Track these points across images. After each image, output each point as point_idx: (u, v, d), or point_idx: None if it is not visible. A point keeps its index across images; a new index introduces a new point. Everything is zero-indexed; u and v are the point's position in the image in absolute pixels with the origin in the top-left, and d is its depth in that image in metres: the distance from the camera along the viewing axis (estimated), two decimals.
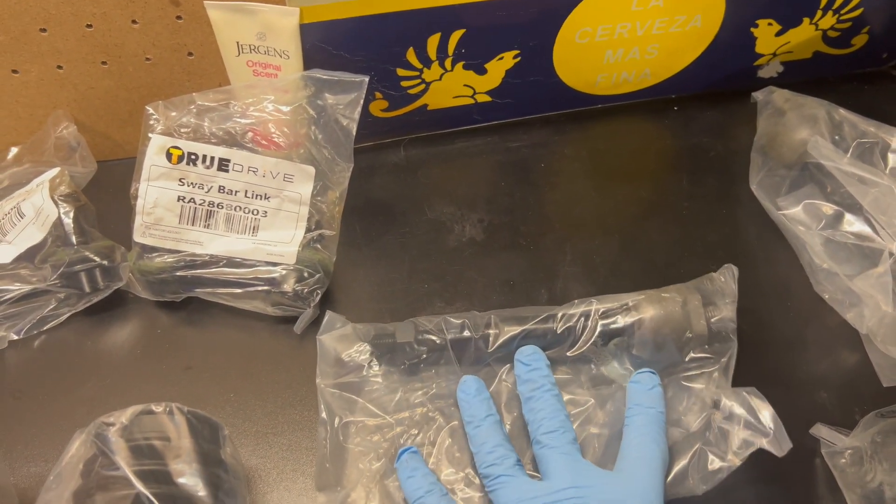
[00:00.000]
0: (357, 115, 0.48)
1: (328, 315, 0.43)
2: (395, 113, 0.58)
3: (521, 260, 0.53)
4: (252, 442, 0.44)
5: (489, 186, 0.58)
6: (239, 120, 0.47)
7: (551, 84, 0.59)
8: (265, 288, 0.47)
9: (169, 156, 0.46)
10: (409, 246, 0.53)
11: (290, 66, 0.50)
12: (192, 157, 0.46)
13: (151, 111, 0.46)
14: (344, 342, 0.43)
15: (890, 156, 0.52)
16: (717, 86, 0.64)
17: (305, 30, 0.49)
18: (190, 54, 0.53)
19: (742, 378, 0.44)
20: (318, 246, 0.48)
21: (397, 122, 0.59)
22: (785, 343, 0.47)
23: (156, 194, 0.47)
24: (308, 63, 0.51)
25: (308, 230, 0.48)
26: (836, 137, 0.53)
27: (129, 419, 0.36)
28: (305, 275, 0.47)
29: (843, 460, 0.41)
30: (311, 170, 0.48)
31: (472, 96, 0.59)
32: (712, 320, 0.42)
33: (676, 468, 0.40)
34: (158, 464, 0.35)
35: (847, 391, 0.45)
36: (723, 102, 0.63)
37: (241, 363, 0.47)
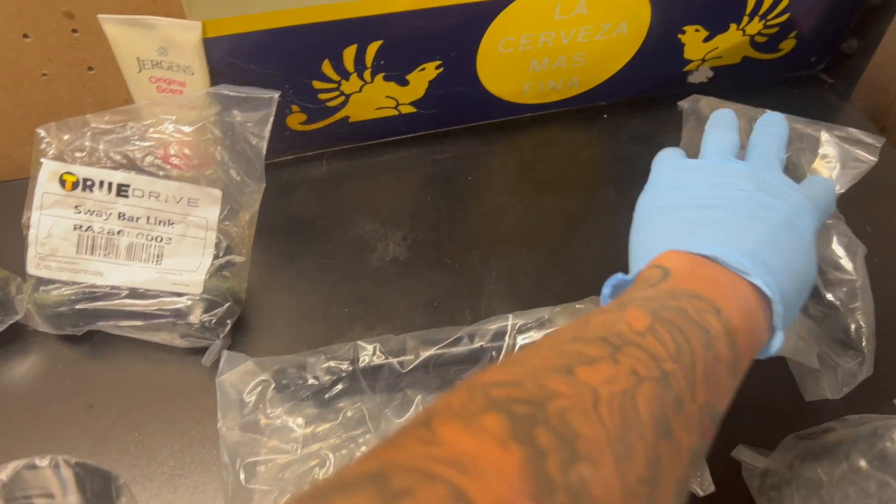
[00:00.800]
0: (267, 134, 0.46)
1: (226, 354, 0.41)
2: (314, 126, 0.56)
3: (445, 279, 0.51)
4: (157, 484, 0.41)
5: (414, 201, 0.56)
6: (137, 143, 0.44)
7: (477, 94, 0.57)
8: (171, 319, 0.45)
9: (63, 182, 0.43)
10: (329, 267, 0.51)
11: (196, 82, 0.48)
12: (88, 183, 0.44)
13: (43, 134, 0.43)
14: (246, 379, 0.41)
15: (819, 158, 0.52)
16: (648, 92, 0.63)
17: (210, 44, 0.47)
18: (90, 69, 0.50)
19: None
20: (227, 273, 0.46)
21: (318, 135, 0.56)
22: None
23: (49, 223, 0.44)
24: (216, 78, 0.48)
25: (216, 257, 0.46)
26: None
27: (10, 476, 0.34)
28: (213, 305, 0.45)
29: (763, 483, 0.40)
30: (218, 193, 0.45)
31: (395, 107, 0.57)
32: None
33: None
34: None
35: (770, 410, 0.45)
36: (653, 109, 0.62)
37: (148, 399, 0.45)
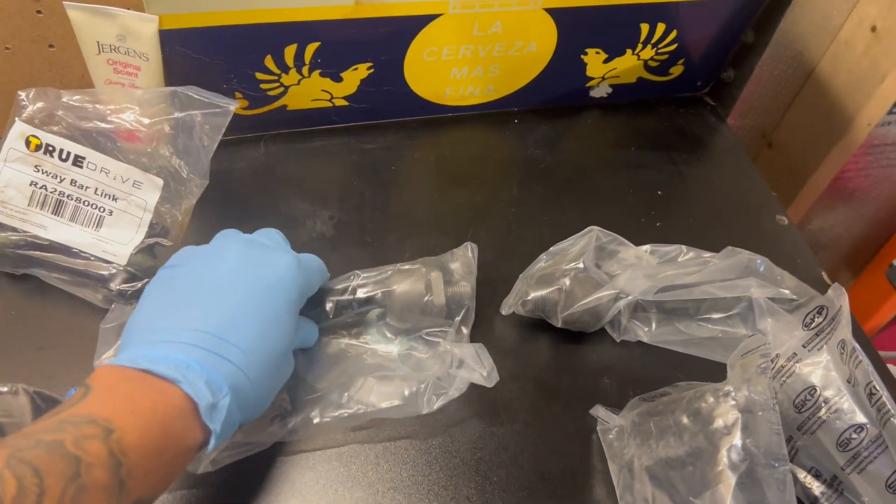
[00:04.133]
0: (218, 139, 0.51)
1: (114, 306, 0.47)
2: (255, 111, 0.62)
3: (365, 255, 0.58)
4: None
5: (342, 185, 0.63)
6: (99, 123, 0.50)
7: (403, 94, 0.65)
8: (95, 281, 0.51)
9: (28, 143, 0.49)
10: None
11: (150, 68, 0.53)
12: (50, 148, 0.49)
13: (23, 97, 0.49)
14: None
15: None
16: (554, 102, 0.71)
17: (165, 35, 0.53)
18: (51, 46, 0.55)
19: (531, 366, 0.52)
20: (153, 253, 0.52)
21: (258, 120, 0.63)
22: (572, 333, 0.55)
23: (9, 175, 0.49)
24: (169, 64, 0.54)
25: (147, 236, 0.51)
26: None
27: None
28: (133, 278, 0.51)
29: (611, 436, 0.50)
30: (160, 181, 0.51)
31: (329, 100, 0.63)
32: (449, 290, 0.50)
33: (413, 394, 0.47)
34: None
35: (626, 377, 0.54)
36: (557, 117, 0.71)
37: (70, 341, 0.50)
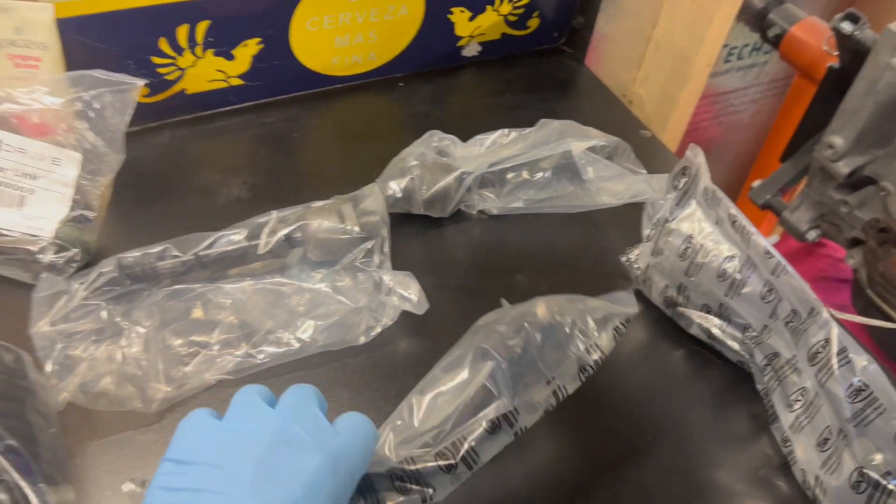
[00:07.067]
0: (130, 113, 0.54)
1: (44, 275, 0.48)
2: (156, 98, 0.66)
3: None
4: None
5: (250, 155, 0.67)
6: (11, 106, 0.52)
7: (293, 67, 0.70)
8: (24, 257, 0.52)
9: None
10: (180, 210, 0.61)
11: (50, 57, 0.56)
12: None
13: None
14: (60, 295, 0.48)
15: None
16: (432, 64, 0.78)
17: (61, 23, 0.56)
18: None
19: (454, 276, 0.58)
20: (80, 225, 0.54)
21: (160, 107, 0.66)
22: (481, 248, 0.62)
23: None
24: (68, 53, 0.57)
25: (71, 209, 0.54)
26: None
27: None
28: (62, 249, 0.53)
29: None
30: (78, 156, 0.53)
31: (225, 80, 0.68)
32: (361, 219, 0.55)
33: (349, 326, 0.52)
34: None
35: (536, 273, 0.60)
36: (438, 78, 0.78)
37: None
